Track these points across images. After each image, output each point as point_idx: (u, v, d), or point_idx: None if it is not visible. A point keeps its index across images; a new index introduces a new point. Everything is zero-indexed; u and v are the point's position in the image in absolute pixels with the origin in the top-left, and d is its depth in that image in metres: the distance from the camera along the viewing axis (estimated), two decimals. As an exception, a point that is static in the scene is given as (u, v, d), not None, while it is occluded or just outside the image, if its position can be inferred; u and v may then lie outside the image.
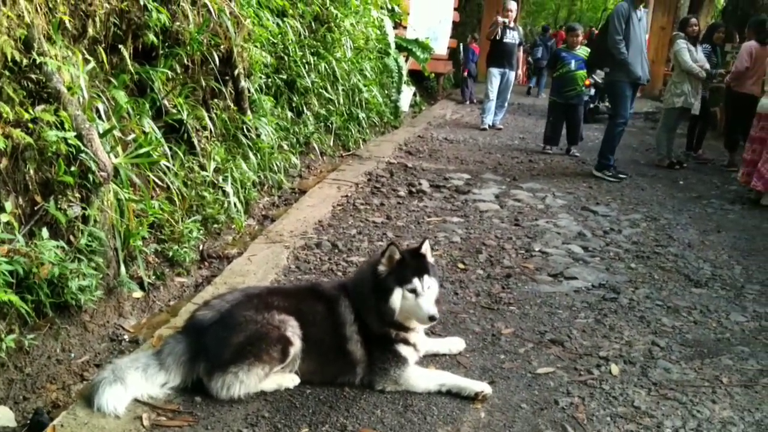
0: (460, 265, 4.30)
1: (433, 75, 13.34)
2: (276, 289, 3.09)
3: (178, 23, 4.32)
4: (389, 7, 11.12)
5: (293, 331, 2.60)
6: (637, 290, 4.11)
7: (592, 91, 12.08)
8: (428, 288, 2.72)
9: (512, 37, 10.71)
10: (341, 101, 7.97)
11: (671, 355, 3.25)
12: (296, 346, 2.59)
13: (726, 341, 3.48)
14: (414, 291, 2.68)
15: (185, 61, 4.50)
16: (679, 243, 5.21)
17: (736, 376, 3.09)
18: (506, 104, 11.34)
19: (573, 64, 9.07)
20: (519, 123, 12.03)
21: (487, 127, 10.82)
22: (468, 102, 14.39)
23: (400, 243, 4.60)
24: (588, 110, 11.78)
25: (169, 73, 4.31)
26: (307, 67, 7.20)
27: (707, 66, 8.71)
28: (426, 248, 2.83)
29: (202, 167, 4.50)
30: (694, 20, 8.96)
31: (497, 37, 10.68)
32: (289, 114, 6.78)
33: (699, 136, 10.04)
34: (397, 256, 2.73)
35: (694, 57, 8.60)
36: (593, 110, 12.51)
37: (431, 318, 2.67)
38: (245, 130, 5.41)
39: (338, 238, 4.62)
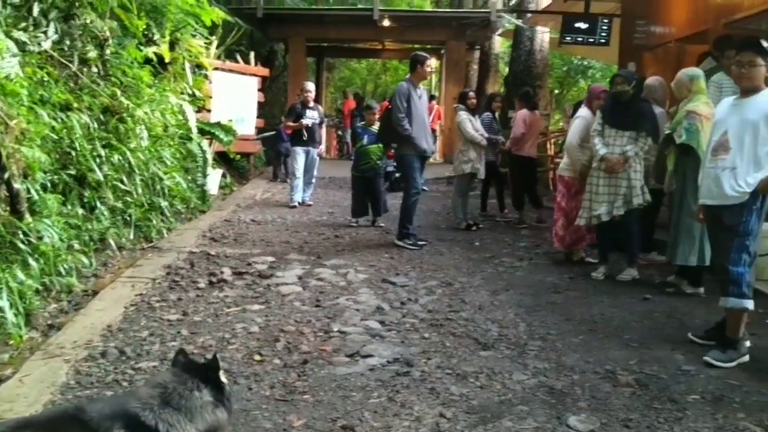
0: (257, 357, 4.24)
1: (238, 156, 13.36)
2: (25, 421, 2.74)
3: (-72, 131, 4.01)
4: (190, 92, 11.09)
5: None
6: (429, 360, 4.28)
7: (395, 162, 12.66)
8: None
9: (312, 116, 11.09)
10: (140, 192, 7.71)
11: (457, 425, 3.39)
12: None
13: (508, 402, 3.70)
14: None
15: (-58, 170, 4.17)
16: (470, 306, 5.53)
17: (513, 436, 3.30)
18: (314, 180, 11.61)
19: (366, 139, 9.58)
20: (329, 197, 12.31)
21: (296, 204, 10.96)
22: (282, 180, 14.49)
23: (196, 340, 4.48)
24: (392, 180, 12.32)
25: None
26: (98, 160, 6.95)
27: (486, 134, 9.55)
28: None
29: (-32, 284, 4.14)
30: (472, 93, 9.92)
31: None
32: (80, 211, 6.46)
33: (499, 197, 10.94)
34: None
35: (475, 126, 9.44)
36: (398, 180, 13.07)
37: None
38: (23, 234, 5.09)
39: (127, 343, 4.38)
